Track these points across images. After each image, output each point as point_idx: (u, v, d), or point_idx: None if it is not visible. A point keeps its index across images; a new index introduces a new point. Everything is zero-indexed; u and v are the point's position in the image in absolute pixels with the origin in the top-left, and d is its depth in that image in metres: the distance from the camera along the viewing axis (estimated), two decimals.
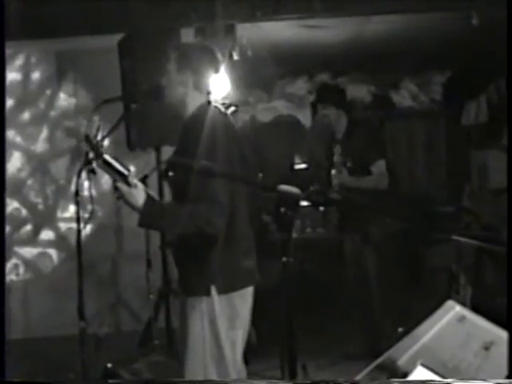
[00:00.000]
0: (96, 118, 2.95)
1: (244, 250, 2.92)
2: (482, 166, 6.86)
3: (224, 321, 2.80)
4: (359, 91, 7.06)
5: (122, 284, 6.10)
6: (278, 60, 6.10)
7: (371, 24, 5.72)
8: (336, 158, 5.03)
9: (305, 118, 7.00)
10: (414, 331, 1.96)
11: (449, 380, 1.64)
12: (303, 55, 6.38)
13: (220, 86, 4.26)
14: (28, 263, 6.28)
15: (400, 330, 3.43)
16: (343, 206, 4.55)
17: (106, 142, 2.77)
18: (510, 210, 3.57)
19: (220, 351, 2.79)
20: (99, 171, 2.85)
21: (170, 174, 2.84)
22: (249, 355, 3.05)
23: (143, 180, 2.84)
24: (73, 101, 6.27)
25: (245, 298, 2.91)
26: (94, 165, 2.82)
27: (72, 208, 5.90)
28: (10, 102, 6.14)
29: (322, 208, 5.72)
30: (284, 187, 1.66)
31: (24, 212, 6.28)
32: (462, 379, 1.66)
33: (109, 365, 3.69)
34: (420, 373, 1.68)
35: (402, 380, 1.54)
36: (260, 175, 1.66)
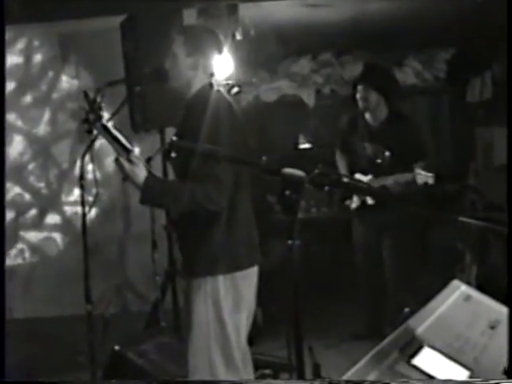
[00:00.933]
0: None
1: (247, 230, 2.93)
2: (487, 143, 6.85)
3: (228, 302, 2.81)
4: None
5: (128, 266, 6.14)
6: (280, 39, 6.07)
7: (374, 2, 5.68)
8: (368, 149, 4.80)
9: (308, 97, 6.97)
10: (421, 311, 1.97)
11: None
12: (306, 34, 6.35)
13: (223, 66, 4.25)
14: (34, 247, 6.31)
15: (406, 310, 3.45)
16: (348, 189, 4.51)
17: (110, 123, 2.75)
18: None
19: (224, 333, 2.81)
20: (101, 152, 2.85)
21: (173, 154, 2.85)
22: (255, 336, 3.08)
23: (147, 162, 2.85)
24: (75, 83, 6.26)
25: (249, 280, 2.92)
26: (96, 129, 2.78)
27: (76, 191, 5.91)
28: (11, 86, 6.13)
29: (326, 188, 5.70)
30: (288, 170, 1.66)
31: (27, 197, 6.29)
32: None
33: (116, 347, 3.71)
34: (427, 353, 1.70)
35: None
36: (264, 158, 1.65)
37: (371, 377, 1.51)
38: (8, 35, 3.18)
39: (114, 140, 2.71)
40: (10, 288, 3.63)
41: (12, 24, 4.40)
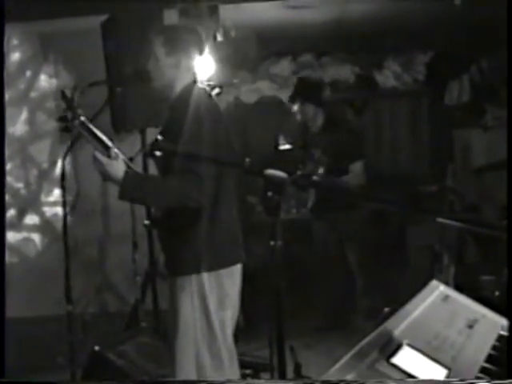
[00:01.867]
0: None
1: (231, 228, 2.95)
2: (465, 145, 6.92)
3: (214, 300, 2.84)
4: (343, 71, 7.07)
5: (109, 266, 6.12)
6: (261, 41, 6.09)
7: (354, 4, 5.72)
8: (311, 156, 5.10)
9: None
10: (400, 311, 2.00)
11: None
12: (287, 36, 6.38)
13: (204, 67, 4.26)
14: (12, 248, 6.27)
15: (386, 310, 3.49)
16: (329, 190, 4.62)
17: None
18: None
19: (211, 330, 2.83)
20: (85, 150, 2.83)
21: (157, 153, 2.86)
22: (236, 336, 3.09)
23: (129, 162, 2.85)
24: (54, 82, 6.23)
25: (233, 278, 2.94)
26: (77, 130, 2.78)
27: (56, 192, 5.89)
28: None
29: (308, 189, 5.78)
30: (270, 172, 1.68)
31: (6, 197, 6.23)
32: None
33: (96, 347, 3.71)
34: (406, 353, 1.73)
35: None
36: (247, 160, 1.67)
37: (351, 376, 1.54)
38: None
39: (93, 137, 2.71)
40: None
41: None
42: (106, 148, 2.71)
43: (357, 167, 4.90)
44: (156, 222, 3.06)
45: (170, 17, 4.77)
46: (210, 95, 3.06)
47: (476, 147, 6.73)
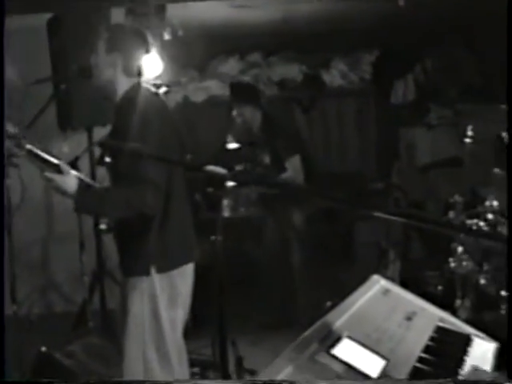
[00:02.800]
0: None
1: (182, 229, 2.97)
2: (410, 143, 7.06)
3: (164, 299, 2.85)
4: (290, 70, 7.13)
5: (55, 267, 6.05)
6: (209, 39, 6.10)
7: (301, 4, 5.78)
8: (254, 156, 5.18)
9: None
10: (341, 304, 2.06)
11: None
12: (234, 35, 6.39)
13: (151, 66, 4.25)
14: None
15: (328, 303, 3.57)
16: (269, 186, 4.68)
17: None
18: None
19: (159, 328, 2.84)
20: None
21: (107, 159, 2.87)
22: (185, 334, 3.11)
23: (75, 161, 2.85)
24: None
25: (185, 277, 2.96)
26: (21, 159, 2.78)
27: None
28: None
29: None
30: (210, 167, 1.70)
31: None
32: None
33: (43, 348, 3.68)
34: (346, 344, 1.78)
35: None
36: (188, 156, 1.69)
37: (292, 367, 1.58)
38: None
39: (41, 161, 2.72)
40: None
41: None
42: (55, 165, 2.71)
43: (293, 163, 4.96)
44: (111, 227, 3.06)
45: (118, 15, 4.76)
46: (157, 94, 3.07)
47: (421, 145, 6.87)
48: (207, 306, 2.60)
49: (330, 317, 1.92)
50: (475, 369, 1.88)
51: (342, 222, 5.83)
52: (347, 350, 1.75)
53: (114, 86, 2.95)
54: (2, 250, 2.70)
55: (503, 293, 3.91)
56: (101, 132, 4.11)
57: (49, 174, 2.70)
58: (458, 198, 4.21)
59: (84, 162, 3.92)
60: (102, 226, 4.42)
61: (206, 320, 3.17)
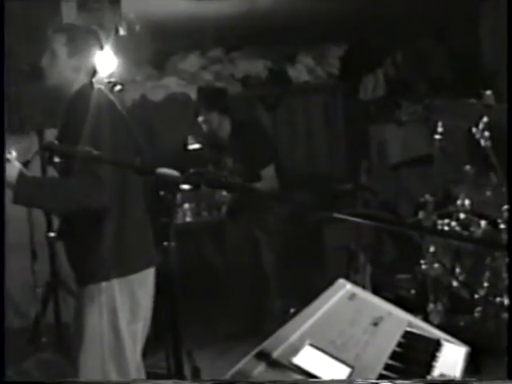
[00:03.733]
0: None
1: (140, 231, 2.96)
2: (381, 141, 7.12)
3: (125, 311, 2.82)
4: (254, 66, 7.15)
5: (5, 278, 5.98)
6: (168, 34, 6.10)
7: None
8: (218, 158, 5.22)
9: None
10: (305, 310, 2.08)
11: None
12: (195, 29, 6.39)
13: (105, 63, 4.25)
14: None
15: (292, 310, 3.59)
16: (229, 189, 4.69)
17: None
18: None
19: (119, 344, 2.80)
20: None
21: (56, 159, 2.84)
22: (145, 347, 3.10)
23: (25, 165, 2.83)
24: None
25: (145, 285, 2.93)
26: None
27: None
28: None
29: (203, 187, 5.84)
30: (162, 170, 1.71)
31: None
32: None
33: None
34: (308, 352, 1.80)
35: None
36: (138, 158, 1.70)
37: (252, 376, 1.60)
38: None
39: None
40: None
41: None
42: None
43: (269, 172, 4.99)
44: (62, 233, 3.04)
45: (69, 11, 4.74)
46: (110, 93, 3.07)
47: (391, 143, 6.93)
48: (160, 316, 2.60)
49: (291, 324, 1.93)
50: (442, 375, 1.91)
51: (310, 225, 5.87)
52: (309, 359, 1.77)
53: (69, 87, 2.94)
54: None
55: (476, 296, 3.96)
56: (52, 134, 4.09)
57: None
58: (428, 197, 4.25)
59: (36, 165, 3.93)
60: (52, 234, 4.41)
61: (162, 331, 3.16)
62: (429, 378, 1.88)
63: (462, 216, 4.18)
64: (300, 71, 7.25)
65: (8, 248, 6.02)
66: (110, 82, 4.04)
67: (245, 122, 5.48)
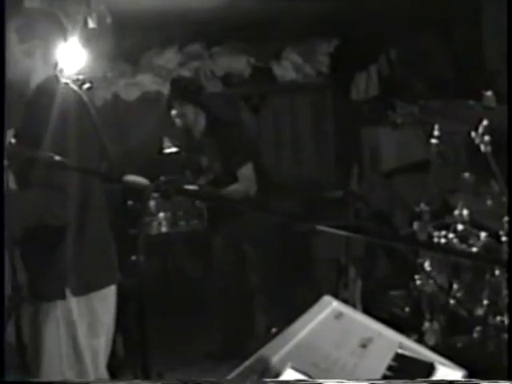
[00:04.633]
0: None
1: (102, 246, 2.94)
2: (374, 144, 7.12)
3: (84, 327, 2.81)
4: (236, 63, 7.14)
5: None
6: (142, 28, 6.08)
7: None
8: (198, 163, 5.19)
9: None
10: (289, 329, 2.07)
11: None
12: (172, 22, 6.37)
13: (72, 58, 4.24)
14: None
15: (274, 330, 3.58)
16: (195, 197, 4.68)
17: None
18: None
19: (80, 362, 2.80)
20: None
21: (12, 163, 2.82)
22: (115, 368, 3.09)
23: None
24: None
25: (106, 302, 2.93)
26: None
27: None
28: None
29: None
30: (130, 178, 1.69)
31: None
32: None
33: None
34: (289, 376, 1.79)
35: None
36: (104, 164, 1.68)
37: None
38: None
39: None
40: None
41: None
42: None
43: (245, 172, 4.96)
44: (17, 243, 3.02)
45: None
46: (78, 91, 3.03)
47: (385, 147, 6.93)
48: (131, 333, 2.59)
49: (272, 345, 1.93)
50: None
51: (297, 237, 5.86)
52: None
53: (28, 81, 2.91)
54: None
55: (475, 314, 3.95)
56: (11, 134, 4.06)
57: None
58: (424, 206, 4.24)
59: None
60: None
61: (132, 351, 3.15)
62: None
63: (460, 227, 4.16)
64: (286, 68, 7.25)
65: None
66: (78, 80, 4.02)
67: (220, 115, 5.49)
